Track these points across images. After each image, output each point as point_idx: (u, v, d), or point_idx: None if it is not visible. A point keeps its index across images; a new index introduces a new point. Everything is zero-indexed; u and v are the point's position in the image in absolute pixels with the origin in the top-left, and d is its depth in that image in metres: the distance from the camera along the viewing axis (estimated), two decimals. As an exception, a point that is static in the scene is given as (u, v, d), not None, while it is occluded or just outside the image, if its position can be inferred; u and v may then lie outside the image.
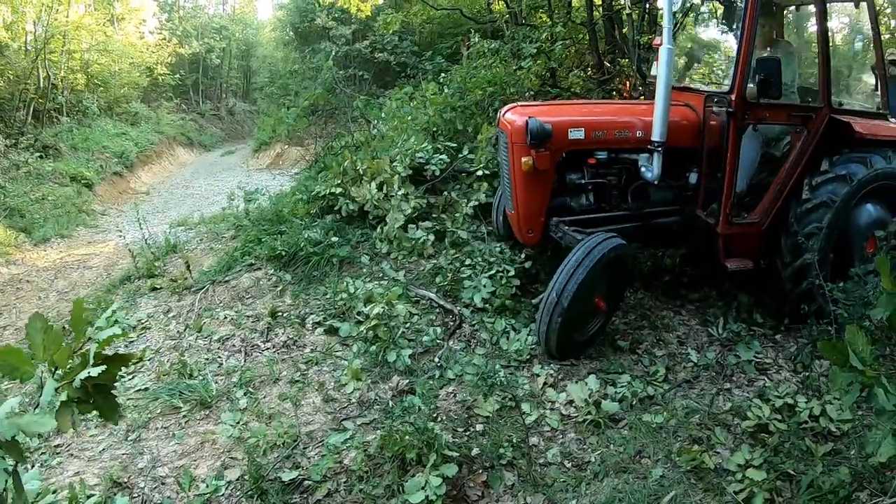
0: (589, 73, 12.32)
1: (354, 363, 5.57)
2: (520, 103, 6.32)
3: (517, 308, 6.29)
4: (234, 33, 44.24)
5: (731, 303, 6.52)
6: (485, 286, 6.37)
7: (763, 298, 6.44)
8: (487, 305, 6.28)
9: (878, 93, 5.99)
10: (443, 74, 10.18)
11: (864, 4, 5.90)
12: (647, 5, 12.86)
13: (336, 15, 24.68)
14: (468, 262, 6.77)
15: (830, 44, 5.92)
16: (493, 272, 6.49)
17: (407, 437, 4.39)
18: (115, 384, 2.04)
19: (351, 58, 23.48)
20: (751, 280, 6.23)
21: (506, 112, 5.80)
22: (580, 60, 13.39)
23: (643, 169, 5.58)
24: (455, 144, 8.25)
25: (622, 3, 11.69)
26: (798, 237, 5.49)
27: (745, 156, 5.63)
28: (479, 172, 7.74)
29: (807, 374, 5.50)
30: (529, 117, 5.29)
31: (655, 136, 5.25)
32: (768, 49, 5.96)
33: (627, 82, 11.50)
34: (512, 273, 6.43)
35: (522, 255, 6.69)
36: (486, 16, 14.56)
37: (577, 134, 5.45)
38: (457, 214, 7.45)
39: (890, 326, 2.95)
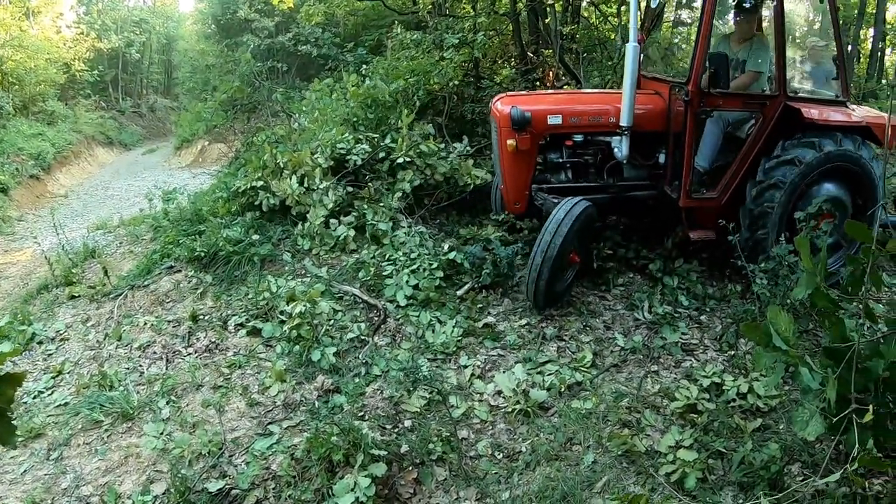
0: (513, 63, 12.30)
1: (278, 364, 5.36)
2: (509, 94, 7.22)
3: (442, 300, 6.14)
4: (155, 27, 42.84)
5: (657, 286, 6.52)
6: (407, 281, 6.22)
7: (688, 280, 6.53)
8: (412, 300, 6.13)
9: (838, 81, 6.42)
10: (364, 66, 9.94)
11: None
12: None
13: (259, 7, 24.12)
14: (391, 255, 6.61)
15: (792, 36, 6.62)
16: (416, 266, 6.34)
17: (333, 438, 4.24)
18: (11, 405, 1.87)
19: (274, 51, 22.97)
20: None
21: (496, 101, 6.60)
22: (504, 51, 13.36)
23: (615, 149, 6.30)
24: (376, 134, 8.04)
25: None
26: (754, 214, 6.06)
27: (708, 138, 6.26)
28: (401, 160, 7.55)
29: (732, 352, 5.54)
30: (513, 106, 6.10)
31: (623, 121, 5.99)
32: (745, 43, 6.45)
33: (550, 73, 11.50)
34: (435, 266, 6.29)
35: (446, 247, 6.58)
36: (410, 7, 14.38)
37: (555, 120, 6.24)
38: (382, 206, 7.26)
39: (812, 304, 2.89)
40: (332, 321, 5.90)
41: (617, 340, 5.72)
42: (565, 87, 11.02)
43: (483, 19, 10.41)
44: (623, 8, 13.89)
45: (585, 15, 14.27)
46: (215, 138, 19.44)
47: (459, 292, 6.26)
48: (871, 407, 2.25)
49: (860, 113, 6.44)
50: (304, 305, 5.80)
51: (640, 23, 6.26)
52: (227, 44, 25.22)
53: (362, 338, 5.76)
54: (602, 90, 8.12)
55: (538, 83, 11.07)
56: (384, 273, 6.44)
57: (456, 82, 9.30)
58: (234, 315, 6.23)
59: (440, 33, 10.34)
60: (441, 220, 7.83)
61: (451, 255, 6.43)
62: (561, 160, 6.55)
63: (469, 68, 11.36)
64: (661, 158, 6.45)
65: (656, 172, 6.53)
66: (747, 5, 6.40)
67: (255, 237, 7.26)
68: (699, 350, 5.66)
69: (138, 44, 40.34)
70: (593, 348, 5.58)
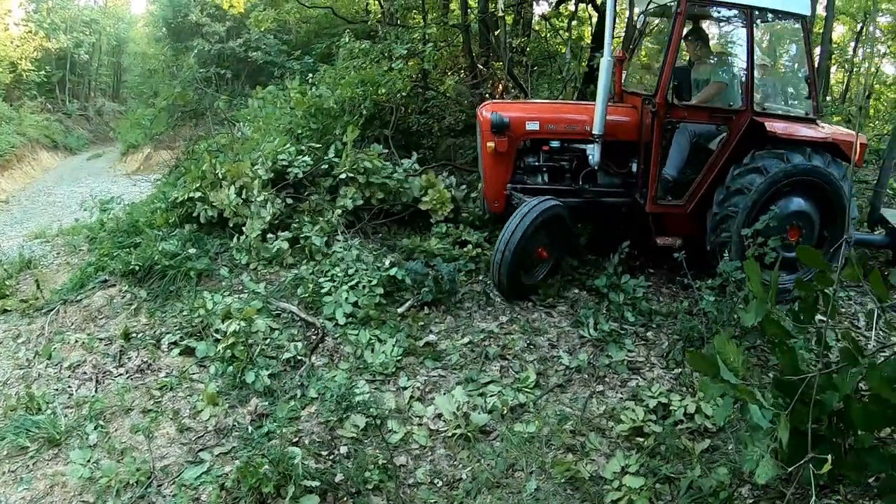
0: (462, 75, 12.12)
1: (210, 387, 5.04)
2: (495, 101, 7.87)
3: (382, 318, 5.85)
4: (106, 27, 41.41)
5: (602, 302, 6.34)
6: (346, 298, 5.94)
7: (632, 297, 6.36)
8: (351, 318, 5.85)
9: (810, 100, 6.65)
10: (311, 74, 9.61)
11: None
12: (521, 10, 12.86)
13: (210, 11, 23.53)
14: (329, 271, 6.31)
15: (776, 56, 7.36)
16: (355, 282, 6.06)
17: (264, 468, 3.96)
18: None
19: (224, 56, 22.42)
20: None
21: (482, 108, 6.91)
22: (454, 63, 13.17)
23: (589, 156, 6.56)
24: (320, 146, 7.73)
25: (496, 5, 11.51)
26: (717, 217, 6.27)
27: (676, 149, 6.48)
28: (343, 175, 7.24)
29: (679, 370, 5.39)
30: (493, 112, 6.48)
31: (595, 129, 6.34)
32: (704, 64, 6.82)
33: (500, 85, 11.34)
34: (375, 282, 6.02)
35: (387, 263, 6.31)
36: (361, 16, 14.08)
37: (532, 126, 6.60)
38: (321, 220, 6.95)
39: (761, 331, 2.69)
40: (268, 340, 5.59)
41: (562, 359, 5.51)
42: (517, 97, 10.91)
43: (433, 30, 10.16)
44: (574, 23, 13.87)
45: (537, 29, 14.18)
46: (160, 145, 18.81)
47: (400, 310, 5.99)
48: (829, 458, 2.04)
49: (829, 131, 6.56)
50: (239, 324, 5.48)
51: (613, 39, 6.50)
52: (178, 48, 24.60)
53: (299, 358, 5.45)
54: (581, 102, 8.27)
55: (487, 95, 10.90)
56: (323, 290, 6.13)
57: (404, 93, 9.03)
58: (167, 333, 5.88)
59: (389, 43, 10.06)
60: (383, 234, 7.54)
61: (392, 272, 6.15)
62: (537, 164, 6.84)
63: (418, 79, 11.15)
64: (635, 167, 6.74)
65: (629, 181, 6.81)
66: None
67: (192, 250, 6.90)
68: (645, 368, 5.48)
69: (88, 45, 38.94)
70: (537, 367, 5.36)
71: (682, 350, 5.56)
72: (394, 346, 5.51)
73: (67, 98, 37.94)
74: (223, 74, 18.67)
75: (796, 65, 7.50)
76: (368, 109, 8.30)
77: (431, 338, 5.71)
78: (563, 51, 12.37)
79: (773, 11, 6.59)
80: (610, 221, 7.16)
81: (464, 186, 8.05)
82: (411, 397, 5.00)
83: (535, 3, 13.02)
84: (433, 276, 6.05)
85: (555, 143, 6.77)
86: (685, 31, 6.63)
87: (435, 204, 7.41)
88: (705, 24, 7.19)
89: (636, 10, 7.70)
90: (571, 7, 12.79)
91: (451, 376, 5.26)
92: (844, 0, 16.67)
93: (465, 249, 6.99)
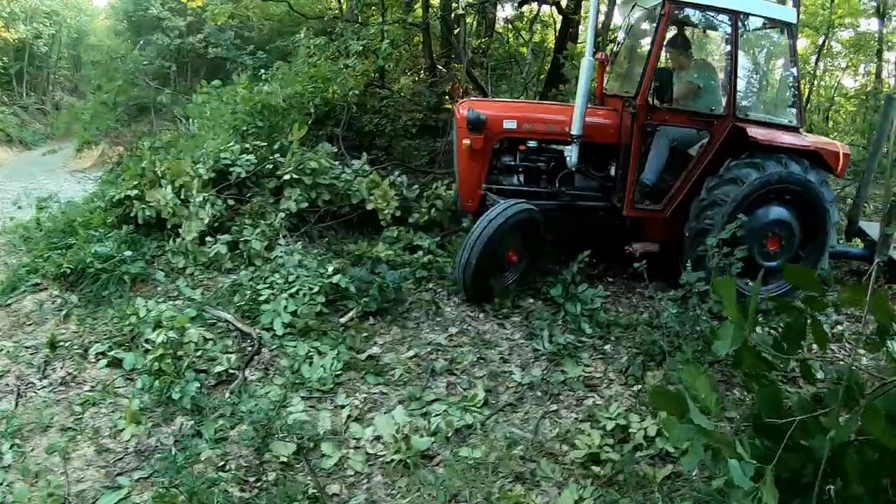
0: (422, 75, 11.69)
1: (134, 404, 4.51)
2: (473, 98, 7.59)
3: (323, 328, 5.35)
4: (67, 19, 39.83)
5: (558, 313, 5.94)
6: (286, 307, 5.43)
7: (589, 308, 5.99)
8: (290, 328, 5.34)
9: (794, 108, 6.50)
10: (263, 70, 9.06)
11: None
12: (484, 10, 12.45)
13: (172, 5, 22.76)
14: (268, 278, 5.80)
15: (764, 64, 7.17)
16: (295, 289, 5.56)
17: (180, 499, 3.53)
18: None
19: (184, 51, 21.69)
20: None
21: (459, 105, 6.72)
22: (414, 63, 12.73)
23: (567, 157, 6.34)
24: (266, 144, 7.20)
25: (457, 4, 11.11)
26: (694, 230, 6.07)
27: (655, 154, 6.28)
28: (288, 176, 6.72)
29: (639, 387, 5.01)
30: (470, 108, 6.26)
31: (573, 129, 6.12)
32: (685, 72, 6.62)
33: (459, 86, 10.92)
34: (317, 290, 5.53)
35: (330, 269, 5.82)
36: (321, 12, 13.51)
37: (510, 124, 6.38)
38: (262, 223, 6.43)
39: (737, 363, 2.28)
40: (200, 352, 5.06)
41: (514, 375, 5.07)
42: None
43: (390, 27, 9.67)
44: (538, 26, 13.52)
45: (500, 31, 13.81)
46: (117, 141, 17.98)
47: (343, 319, 5.52)
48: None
49: (811, 139, 6.44)
50: (167, 334, 4.95)
51: (596, 41, 6.58)
52: (138, 42, 23.77)
53: (231, 371, 4.93)
54: (560, 102, 8.06)
55: (446, 96, 10.48)
56: (261, 298, 5.62)
57: (356, 92, 8.55)
58: (96, 342, 5.31)
59: (345, 39, 9.54)
60: (330, 238, 7.06)
61: (335, 279, 5.67)
62: (513, 163, 6.63)
63: (375, 78, 10.68)
64: (613, 171, 6.60)
65: (607, 184, 6.64)
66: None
67: (128, 253, 6.31)
68: (603, 385, 5.08)
69: (47, 36, 37.46)
70: (487, 384, 4.91)
71: (641, 365, 5.20)
72: (334, 359, 5.03)
73: (25, 91, 36.45)
74: (168, 68, 17.94)
75: (780, 73, 7.34)
76: (318, 107, 7.81)
77: (375, 350, 5.25)
78: (525, 52, 11.98)
79: (759, 17, 6.41)
80: (585, 225, 6.97)
81: (415, 187, 7.57)
82: (349, 417, 4.52)
83: (498, 4, 12.61)
84: (378, 283, 5.57)
85: (532, 143, 6.57)
86: (668, 37, 6.54)
87: (379, 202, 6.92)
88: (689, 31, 7.01)
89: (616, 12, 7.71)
90: (534, 8, 12.40)
91: (394, 393, 4.79)
92: (808, 14, 16.60)
93: (415, 256, 6.57)
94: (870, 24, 17.96)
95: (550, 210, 6.35)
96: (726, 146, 6.11)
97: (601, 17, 14.94)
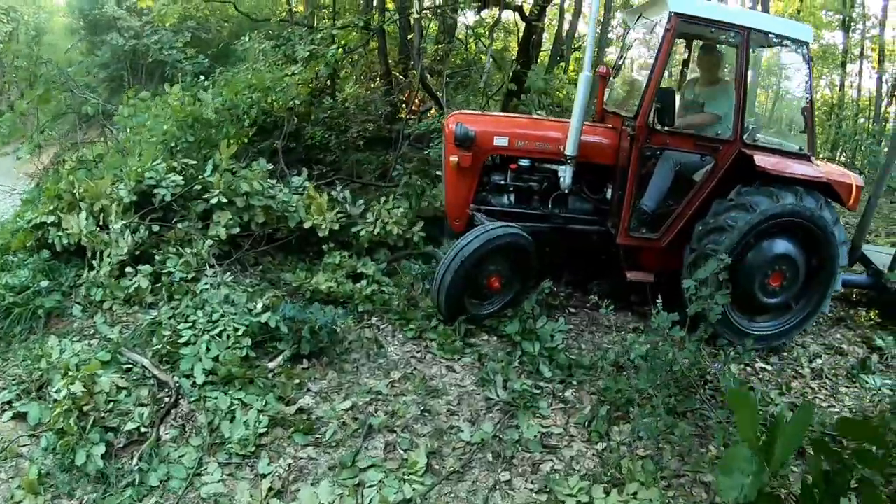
0: (377, 83, 11.02)
1: (32, 471, 3.78)
2: (464, 111, 6.82)
3: (250, 375, 4.61)
4: (24, 16, 38.31)
5: (515, 353, 5.31)
6: (207, 351, 4.70)
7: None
8: (213, 376, 4.61)
9: (805, 134, 5.93)
10: (203, 77, 8.28)
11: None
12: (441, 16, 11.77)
13: (128, 4, 21.65)
14: (191, 315, 5.06)
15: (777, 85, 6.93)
16: (219, 330, 4.84)
17: None
18: None
19: (140, 53, 20.57)
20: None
21: (449, 117, 6.26)
22: (369, 69, 12.05)
23: (560, 178, 5.96)
24: (196, 162, 6.45)
25: (413, 9, 10.43)
26: (694, 255, 5.58)
27: (658, 179, 5.84)
28: (216, 199, 5.98)
29: (604, 445, 4.41)
30: (458, 123, 5.82)
31: (568, 150, 5.73)
32: (710, 87, 6.15)
33: (415, 95, 10.26)
34: (242, 331, 4.81)
35: (259, 306, 5.09)
36: (269, 14, 12.68)
37: (501, 141, 5.94)
38: (187, 253, 5.71)
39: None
40: (111, 404, 4.31)
41: (462, 432, 4.40)
42: (431, 109, 9.86)
43: (341, 31, 8.91)
44: (498, 32, 12.91)
45: (460, 38, 13.14)
46: (65, 145, 16.95)
47: (271, 364, 4.80)
48: None
49: (823, 169, 5.91)
50: (71, 387, 4.22)
51: (595, 56, 5.99)
52: (94, 41, 22.64)
53: (144, 429, 4.21)
54: (556, 119, 7.39)
55: (402, 105, 9.82)
56: (181, 339, 4.87)
57: (298, 102, 7.83)
58: (3, 388, 4.54)
59: (293, 44, 8.78)
60: (265, 265, 6.33)
61: (265, 317, 4.95)
62: (504, 182, 6.20)
63: (325, 86, 9.98)
64: (609, 193, 6.17)
65: (602, 207, 6.21)
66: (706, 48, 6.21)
67: (44, 283, 5.52)
68: (563, 443, 4.44)
69: (4, 34, 35.95)
70: (431, 445, 4.23)
71: (607, 417, 4.60)
72: (259, 413, 4.33)
73: (-23, 90, 34.92)
74: (120, 71, 16.83)
75: (793, 95, 6.78)
76: (254, 119, 7.08)
77: (307, 401, 4.55)
78: (485, 60, 11.34)
79: (774, 35, 5.79)
80: (578, 249, 6.53)
81: (361, 203, 6.82)
82: (269, 490, 3.83)
83: (458, 10, 11.95)
84: (310, 325, 4.89)
85: (524, 162, 6.11)
86: (699, 47, 6.24)
87: (315, 218, 6.24)
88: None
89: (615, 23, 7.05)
90: (496, 14, 11.72)
91: (324, 458, 4.10)
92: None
93: (358, 285, 5.84)
94: (833, 37, 17.81)
95: (541, 233, 5.91)
96: (732, 174, 5.66)
97: (565, 25, 14.47)
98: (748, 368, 5.62)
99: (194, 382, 4.58)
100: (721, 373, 4.85)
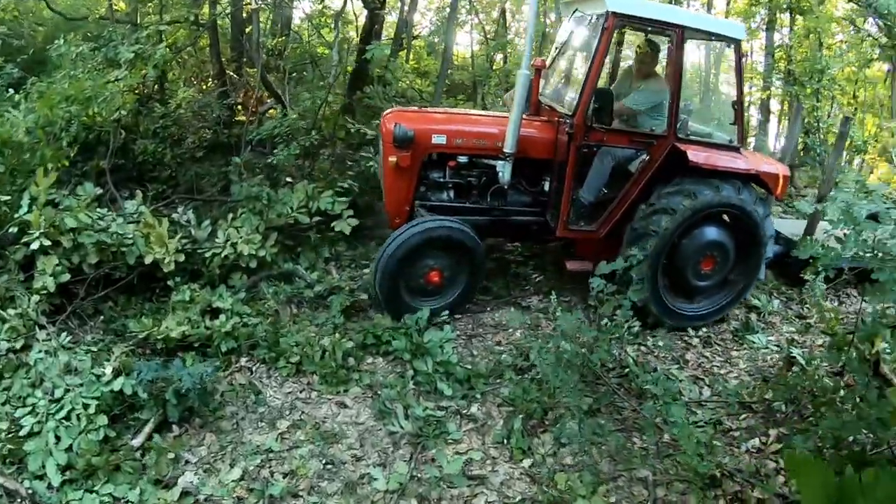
0: (210, 84, 9.83)
1: None
2: (399, 109, 6.75)
3: (114, 462, 3.69)
4: None
5: (407, 373, 4.73)
6: (57, 441, 3.73)
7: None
8: (71, 471, 3.66)
9: (735, 127, 5.99)
10: (12, 91, 6.85)
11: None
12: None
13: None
14: (30, 397, 4.00)
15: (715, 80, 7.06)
16: (67, 410, 3.86)
17: None
18: None
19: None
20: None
21: (386, 116, 6.07)
22: (201, 70, 10.78)
23: (499, 173, 5.89)
24: (9, 197, 5.21)
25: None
26: (636, 233, 5.65)
27: (596, 172, 5.80)
28: (36, 244, 4.80)
29: (530, 461, 3.99)
30: (396, 123, 5.63)
31: (507, 147, 5.60)
32: (643, 80, 6.04)
33: (252, 95, 9.24)
34: (93, 408, 3.87)
35: (108, 370, 4.13)
36: (88, 12, 10.95)
37: (439, 139, 5.78)
38: (10, 314, 4.55)
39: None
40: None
41: (375, 480, 3.78)
42: (272, 109, 8.88)
43: (167, 27, 7.67)
44: (340, 22, 11.97)
45: (297, 30, 12.07)
46: None
47: (136, 441, 3.91)
48: None
49: (754, 160, 6.08)
50: None
51: (532, 48, 5.76)
52: None
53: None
54: (494, 114, 7.03)
55: (238, 107, 8.78)
56: (22, 431, 3.83)
57: (123, 112, 6.67)
58: None
59: (115, 46, 7.46)
60: (106, 312, 5.23)
61: (118, 384, 4.02)
62: (443, 180, 6.07)
63: (154, 92, 8.74)
64: (546, 186, 6.11)
65: (542, 199, 6.13)
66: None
67: None
68: (487, 468, 3.94)
69: None
70: (344, 502, 3.59)
71: (523, 429, 4.18)
72: (131, 509, 3.47)
73: None
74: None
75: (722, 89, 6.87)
76: (74, 136, 5.93)
77: (188, 480, 3.72)
78: (328, 53, 10.41)
79: (707, 33, 5.86)
80: (519, 240, 6.88)
81: (207, 224, 5.93)
82: None
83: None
84: (173, 386, 4.01)
85: (463, 159, 5.98)
86: (639, 45, 6.14)
87: (156, 251, 5.30)
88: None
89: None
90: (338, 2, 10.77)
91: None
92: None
93: (217, 321, 4.92)
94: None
95: (482, 226, 5.86)
96: (667, 168, 5.67)
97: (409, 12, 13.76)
98: (643, 347, 5.47)
99: (49, 484, 3.62)
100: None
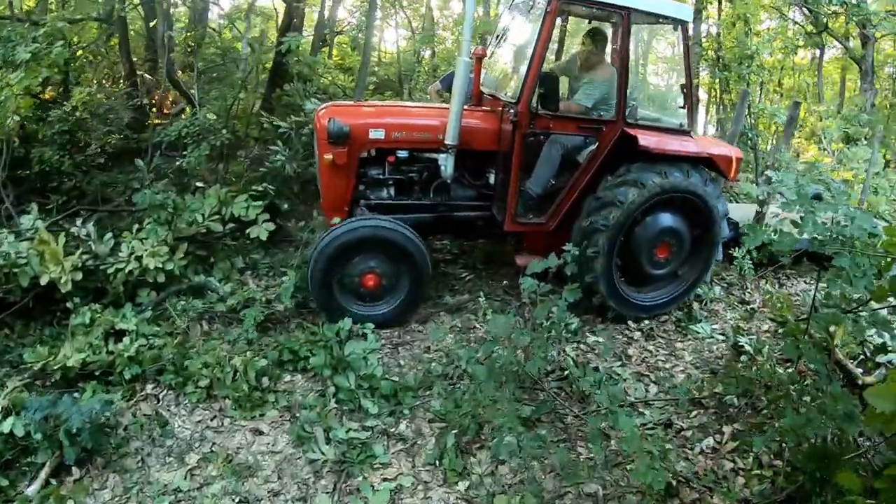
0: (121, 85, 9.19)
1: None
2: (336, 103, 6.41)
3: None
4: None
5: (327, 391, 4.30)
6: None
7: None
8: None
9: (685, 111, 5.84)
10: None
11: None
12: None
13: None
14: None
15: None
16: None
17: None
18: None
19: None
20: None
21: (320, 111, 5.78)
22: (112, 70, 10.11)
23: (441, 167, 5.65)
24: None
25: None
26: (584, 230, 5.47)
27: (544, 162, 5.58)
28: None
29: (466, 483, 3.62)
30: (330, 118, 5.37)
31: (448, 139, 5.39)
32: (590, 71, 5.88)
33: (162, 95, 8.67)
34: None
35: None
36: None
37: (377, 134, 5.54)
38: None
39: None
40: None
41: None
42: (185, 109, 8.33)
43: (68, 24, 7.04)
44: (253, 16, 11.46)
45: (213, 27, 11.50)
46: None
47: (31, 489, 3.40)
48: None
49: (703, 143, 5.98)
50: None
51: (471, 35, 5.40)
52: None
53: None
54: (434, 105, 6.78)
55: (151, 109, 8.19)
56: None
57: (17, 118, 6.06)
58: None
59: (13, 45, 6.81)
60: (2, 343, 4.66)
61: (7, 425, 3.51)
62: (383, 176, 5.78)
63: (59, 94, 8.08)
64: (492, 179, 5.89)
65: (487, 193, 5.91)
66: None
67: None
68: (419, 495, 3.55)
69: None
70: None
71: (456, 447, 3.81)
72: None
73: None
74: None
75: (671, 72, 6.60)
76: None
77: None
78: (240, 46, 9.91)
79: (652, 15, 5.63)
80: (465, 236, 6.62)
81: (109, 237, 5.39)
82: None
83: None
84: (64, 426, 3.52)
85: (402, 154, 5.69)
86: (586, 32, 5.97)
87: (51, 270, 4.76)
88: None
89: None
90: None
91: None
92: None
93: (120, 346, 4.41)
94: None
95: (426, 224, 5.66)
96: (617, 153, 5.50)
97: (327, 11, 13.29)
98: (582, 346, 5.17)
99: None
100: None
